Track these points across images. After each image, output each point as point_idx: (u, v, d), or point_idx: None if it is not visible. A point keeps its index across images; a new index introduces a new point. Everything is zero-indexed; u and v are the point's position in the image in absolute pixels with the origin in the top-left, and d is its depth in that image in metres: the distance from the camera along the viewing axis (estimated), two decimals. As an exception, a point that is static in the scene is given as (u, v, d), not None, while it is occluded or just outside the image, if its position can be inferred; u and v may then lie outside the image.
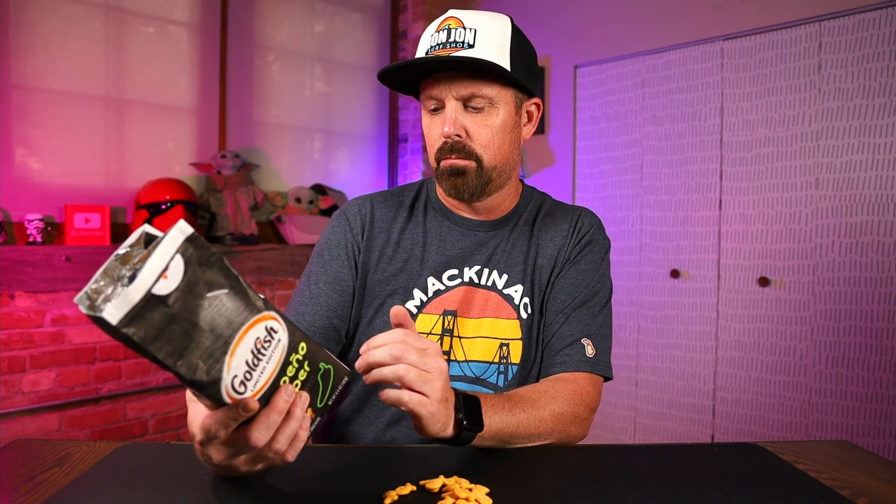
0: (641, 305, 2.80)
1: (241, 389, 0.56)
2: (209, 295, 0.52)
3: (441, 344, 0.95)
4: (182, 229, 0.51)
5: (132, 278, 0.49)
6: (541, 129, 3.21)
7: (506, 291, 0.97)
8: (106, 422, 2.37)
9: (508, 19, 0.93)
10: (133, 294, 0.47)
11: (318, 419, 0.65)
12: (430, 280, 0.96)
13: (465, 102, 0.90)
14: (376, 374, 0.69)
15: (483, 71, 0.88)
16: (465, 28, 0.89)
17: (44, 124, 2.34)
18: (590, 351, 0.93)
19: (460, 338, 0.95)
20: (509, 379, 0.95)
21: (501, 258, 0.98)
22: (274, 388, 0.59)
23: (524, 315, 0.96)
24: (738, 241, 2.52)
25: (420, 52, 0.92)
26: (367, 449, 0.80)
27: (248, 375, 0.56)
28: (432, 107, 0.92)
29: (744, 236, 2.50)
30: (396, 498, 0.63)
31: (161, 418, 2.52)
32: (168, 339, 0.50)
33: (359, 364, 0.69)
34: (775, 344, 2.40)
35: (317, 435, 1.02)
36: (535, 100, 0.98)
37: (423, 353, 0.69)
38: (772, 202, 2.42)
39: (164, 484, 0.67)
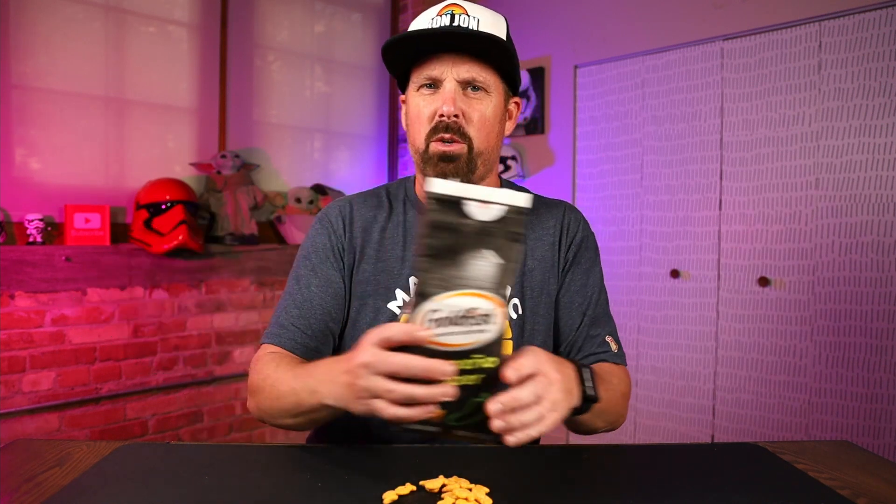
0: (641, 305, 2.80)
1: (428, 324, 0.59)
2: (487, 251, 0.58)
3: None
4: (525, 200, 0.59)
5: (468, 186, 0.59)
6: (541, 129, 3.21)
7: None
8: (106, 422, 2.37)
9: (504, 18, 0.95)
10: (459, 190, 0.58)
11: (435, 429, 0.62)
12: (413, 279, 0.95)
13: (464, 86, 0.91)
14: (523, 432, 0.62)
15: (498, 51, 0.90)
16: (468, 16, 0.90)
17: (44, 124, 2.34)
18: (614, 346, 0.98)
19: None
20: None
21: None
22: (443, 355, 0.59)
23: (514, 315, 0.96)
24: (738, 241, 2.52)
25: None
26: (367, 449, 0.80)
27: (442, 322, 0.59)
28: (428, 83, 0.92)
29: (744, 236, 2.50)
30: (396, 498, 0.63)
31: (161, 418, 2.52)
32: (442, 238, 0.58)
33: (495, 409, 0.61)
34: (775, 344, 2.40)
35: (315, 435, 1.02)
36: (517, 99, 1.00)
37: (548, 372, 0.66)
38: (772, 202, 2.42)
39: (164, 484, 0.67)
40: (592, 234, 1.05)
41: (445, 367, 0.60)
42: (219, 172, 2.69)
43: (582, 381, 0.74)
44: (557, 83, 3.14)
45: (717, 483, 0.69)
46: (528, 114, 3.26)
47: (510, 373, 0.62)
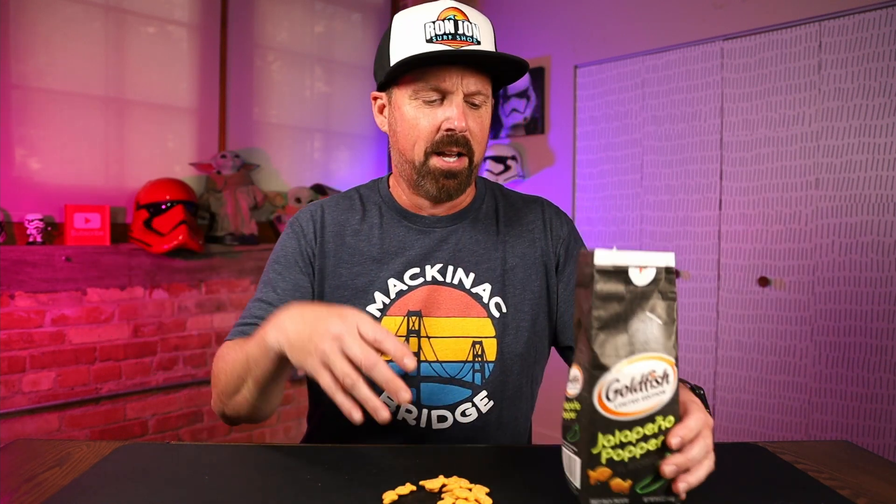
0: (641, 305, 2.80)
1: (613, 396, 0.58)
2: (649, 314, 0.60)
3: (408, 345, 0.92)
4: (672, 260, 0.61)
5: (627, 253, 0.61)
6: (541, 129, 3.21)
7: (474, 290, 0.96)
8: (106, 422, 2.37)
9: (489, 20, 0.96)
10: (618, 258, 0.60)
11: (623, 501, 0.59)
12: (391, 281, 0.94)
13: (468, 98, 0.89)
14: (696, 481, 0.61)
15: (513, 70, 0.90)
16: (470, 22, 0.89)
17: (44, 124, 2.34)
18: None
19: (429, 338, 0.93)
20: (487, 376, 0.94)
21: (466, 255, 0.97)
22: (628, 424, 0.58)
23: (496, 314, 0.95)
24: (738, 241, 2.52)
25: (417, 37, 0.88)
26: (367, 449, 0.80)
27: (623, 391, 0.58)
28: (432, 98, 0.89)
29: (744, 236, 2.50)
30: (396, 498, 0.63)
31: (161, 418, 2.52)
32: (610, 308, 0.59)
33: (671, 471, 0.59)
34: (775, 344, 2.40)
35: (313, 436, 1.02)
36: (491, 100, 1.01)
37: (709, 421, 0.64)
38: (772, 202, 2.42)
39: (164, 484, 0.67)
40: (573, 224, 1.07)
41: (405, 394, 0.62)
42: (219, 172, 2.69)
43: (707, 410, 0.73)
44: (557, 83, 3.15)
45: (717, 483, 0.69)
46: (528, 114, 3.26)
47: (674, 441, 0.59)
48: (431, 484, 0.66)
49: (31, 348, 2.19)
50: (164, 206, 2.41)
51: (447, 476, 0.67)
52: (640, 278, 0.60)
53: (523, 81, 3.27)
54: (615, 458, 0.58)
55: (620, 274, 0.60)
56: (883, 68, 2.16)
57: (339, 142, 3.34)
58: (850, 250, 2.24)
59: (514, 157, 3.21)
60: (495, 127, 3.43)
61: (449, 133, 0.88)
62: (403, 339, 0.93)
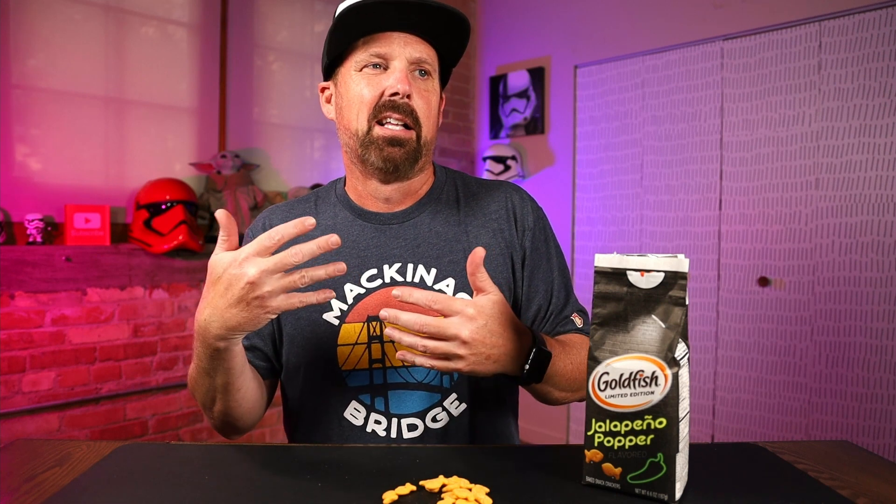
0: (641, 305, 2.80)
1: (602, 386, 0.64)
2: (651, 316, 0.63)
3: (370, 352, 0.89)
4: (684, 265, 0.62)
5: (628, 257, 0.65)
6: (541, 129, 3.21)
7: (437, 287, 0.90)
8: (106, 422, 2.37)
9: None
10: (620, 262, 0.64)
11: (615, 486, 0.64)
12: (348, 286, 0.90)
13: (411, 68, 0.86)
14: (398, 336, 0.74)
15: (455, 29, 0.86)
16: None
17: (44, 124, 2.34)
18: (579, 322, 0.96)
19: (392, 342, 0.88)
20: (455, 378, 0.90)
21: (425, 250, 0.92)
22: (616, 416, 0.63)
23: None
24: (738, 241, 2.52)
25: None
26: (366, 449, 0.80)
27: (611, 384, 0.63)
28: (374, 63, 0.86)
29: (744, 236, 2.50)
30: (396, 498, 0.63)
31: (161, 418, 2.52)
32: (609, 307, 0.65)
33: (386, 314, 0.74)
34: (775, 344, 2.40)
35: (313, 436, 1.02)
36: (443, 94, 0.96)
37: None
38: (772, 202, 2.42)
39: (164, 484, 0.67)
40: (542, 211, 1.01)
41: (323, 239, 0.68)
42: (219, 172, 2.69)
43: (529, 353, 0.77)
44: (557, 83, 3.15)
45: (717, 483, 0.69)
46: (527, 114, 3.26)
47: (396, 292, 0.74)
48: (431, 484, 0.66)
49: (31, 348, 2.19)
50: (164, 206, 2.41)
51: (447, 476, 0.67)
52: (644, 281, 0.63)
53: (523, 81, 3.26)
54: (605, 443, 0.64)
55: (619, 276, 0.64)
56: (883, 68, 2.16)
57: (339, 142, 3.34)
58: (850, 250, 2.24)
59: (514, 157, 3.21)
60: (495, 127, 3.42)
61: (391, 98, 0.84)
62: (365, 346, 0.89)
